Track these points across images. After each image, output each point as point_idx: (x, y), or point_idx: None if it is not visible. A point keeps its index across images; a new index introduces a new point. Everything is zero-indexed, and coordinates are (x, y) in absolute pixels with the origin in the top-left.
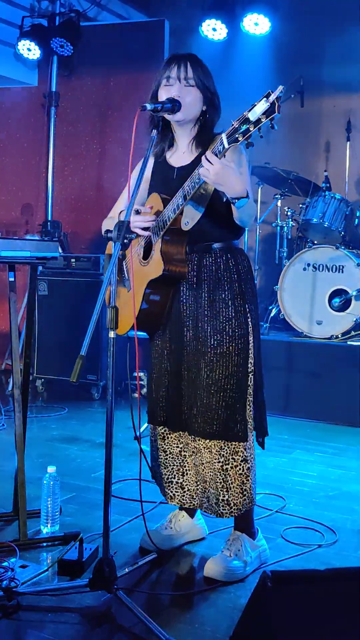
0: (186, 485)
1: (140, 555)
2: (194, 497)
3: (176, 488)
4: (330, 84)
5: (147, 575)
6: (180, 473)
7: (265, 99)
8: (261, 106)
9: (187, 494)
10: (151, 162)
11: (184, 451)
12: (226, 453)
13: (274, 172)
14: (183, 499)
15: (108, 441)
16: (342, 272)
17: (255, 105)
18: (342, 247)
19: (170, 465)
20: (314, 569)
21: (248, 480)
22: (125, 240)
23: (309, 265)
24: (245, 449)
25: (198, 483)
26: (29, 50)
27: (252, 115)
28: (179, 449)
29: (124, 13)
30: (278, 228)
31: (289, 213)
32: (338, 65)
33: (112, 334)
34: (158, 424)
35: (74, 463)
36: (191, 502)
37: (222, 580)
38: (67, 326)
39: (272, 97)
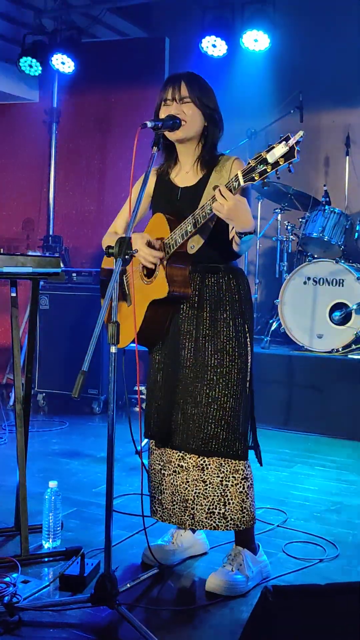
0: (164, 503)
1: (142, 570)
2: (172, 515)
3: (157, 504)
4: (328, 99)
5: (148, 590)
6: (159, 491)
7: (284, 142)
8: (280, 149)
9: (165, 511)
10: (154, 179)
11: (164, 469)
12: (226, 470)
13: (274, 187)
14: (163, 516)
15: (109, 456)
16: (342, 285)
17: (274, 147)
18: (342, 261)
19: (152, 481)
20: (315, 584)
21: (248, 498)
22: (126, 256)
23: (309, 279)
24: (245, 467)
25: (175, 503)
26: (31, 67)
27: (271, 157)
28: (159, 466)
29: (124, 30)
30: (278, 242)
31: (289, 227)
32: (337, 80)
33: (113, 349)
34: (149, 437)
35: (75, 478)
36: (169, 520)
37: (223, 594)
38: (68, 340)
39: (292, 142)
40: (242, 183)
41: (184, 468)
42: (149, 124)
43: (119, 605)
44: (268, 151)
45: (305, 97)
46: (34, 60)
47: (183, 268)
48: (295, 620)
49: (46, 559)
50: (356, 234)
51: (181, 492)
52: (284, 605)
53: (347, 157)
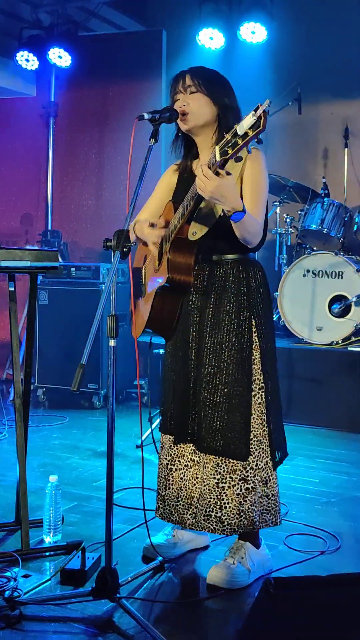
0: (167, 499)
1: (143, 563)
2: (173, 513)
3: (160, 500)
4: (327, 91)
5: (150, 583)
6: (164, 486)
7: (253, 112)
8: (248, 120)
9: (166, 508)
10: (175, 177)
11: (171, 464)
12: (223, 471)
13: (273, 179)
14: (163, 514)
15: (109, 449)
16: (342, 278)
17: (244, 118)
18: (341, 253)
19: (159, 477)
20: (316, 575)
21: (246, 501)
22: (124, 249)
23: (308, 271)
24: (244, 468)
25: (179, 499)
26: (28, 61)
27: (240, 129)
28: (167, 461)
29: (121, 23)
30: (277, 235)
31: (287, 220)
32: (335, 72)
33: (112, 343)
34: (167, 432)
35: (75, 472)
36: (169, 518)
37: (225, 587)
38: (67, 335)
39: (260, 111)
40: (218, 159)
41: (196, 462)
42: (146, 116)
43: (120, 598)
44: (239, 123)
45: (304, 89)
46: (30, 55)
47: (185, 255)
48: (296, 611)
49: (47, 553)
50: (355, 226)
51: (189, 488)
52: (286, 596)
53: (346, 149)
